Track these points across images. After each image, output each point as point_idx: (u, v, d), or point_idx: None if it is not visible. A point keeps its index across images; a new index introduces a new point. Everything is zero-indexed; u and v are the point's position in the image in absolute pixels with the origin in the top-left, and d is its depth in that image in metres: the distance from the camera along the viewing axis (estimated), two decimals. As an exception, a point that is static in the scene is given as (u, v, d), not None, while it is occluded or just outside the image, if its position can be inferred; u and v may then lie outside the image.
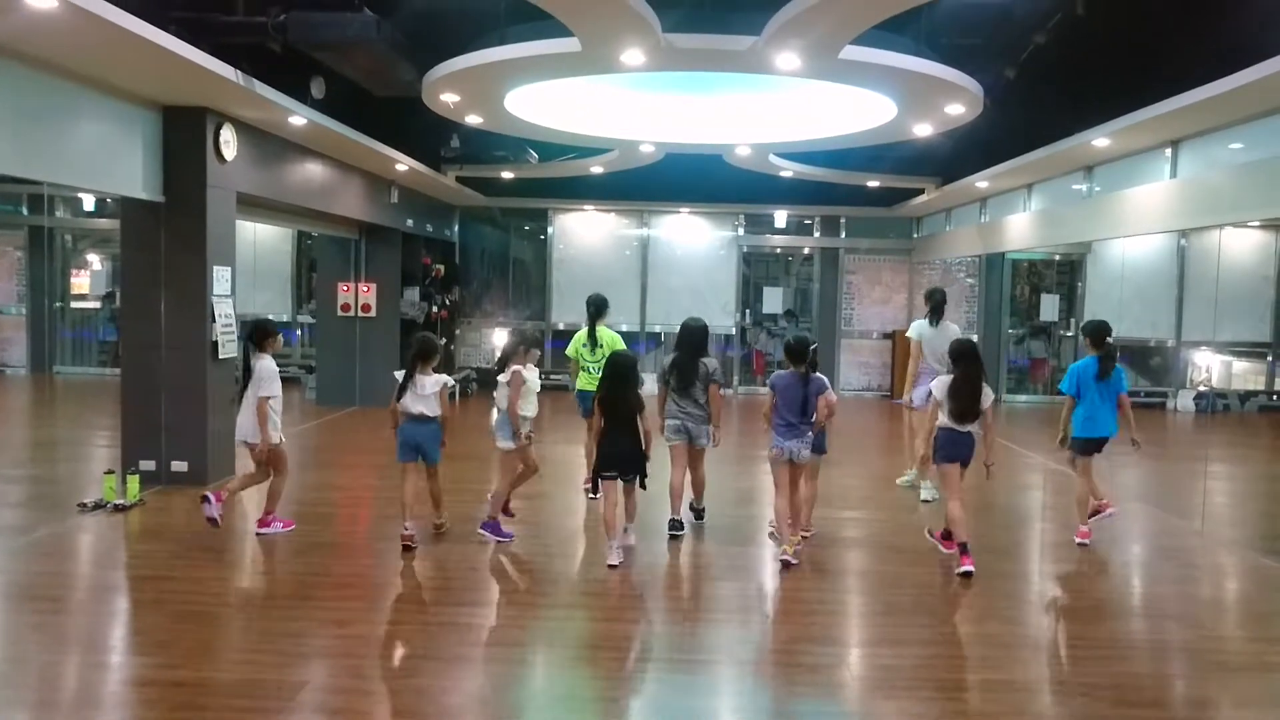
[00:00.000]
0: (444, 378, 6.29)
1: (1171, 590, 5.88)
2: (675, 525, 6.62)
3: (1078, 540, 6.56)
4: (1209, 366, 14.51)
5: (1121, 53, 8.33)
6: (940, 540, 6.29)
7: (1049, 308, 15.30)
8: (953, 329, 7.84)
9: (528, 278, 16.29)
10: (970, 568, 5.77)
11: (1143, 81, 7.77)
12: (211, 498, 6.11)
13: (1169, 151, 8.49)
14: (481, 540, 6.30)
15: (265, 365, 6.29)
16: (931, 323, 7.93)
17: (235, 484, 6.46)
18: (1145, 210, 8.85)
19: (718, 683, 4.48)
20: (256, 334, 6.40)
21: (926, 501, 7.71)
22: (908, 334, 8.17)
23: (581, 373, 7.71)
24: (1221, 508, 8.17)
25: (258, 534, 6.37)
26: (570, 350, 7.80)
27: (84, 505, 6.92)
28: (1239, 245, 14.36)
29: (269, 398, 6.23)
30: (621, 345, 7.45)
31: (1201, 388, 14.42)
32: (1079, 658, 4.79)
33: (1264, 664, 4.78)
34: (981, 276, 15.24)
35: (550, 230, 15.83)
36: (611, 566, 5.81)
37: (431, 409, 6.16)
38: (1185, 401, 14.36)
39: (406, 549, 6.08)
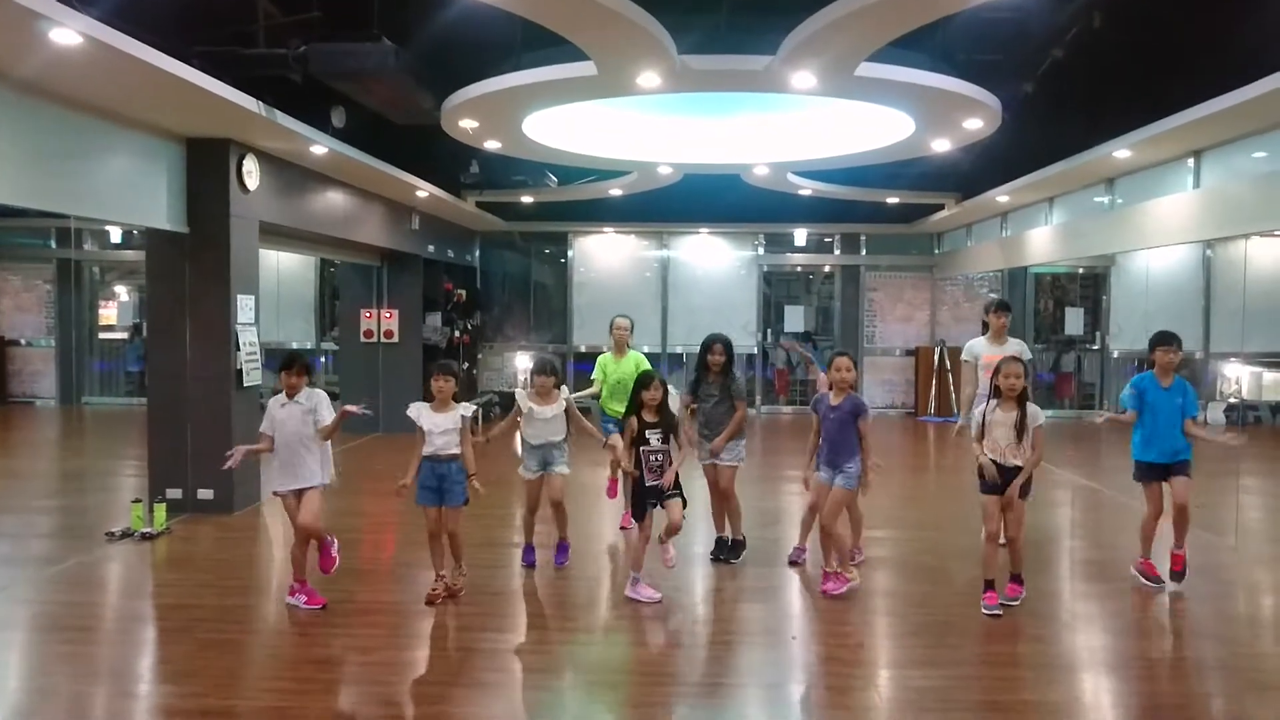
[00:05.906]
0: (463, 408, 5.56)
1: (1206, 608, 5.76)
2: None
3: (1134, 569, 6.08)
4: (1238, 378, 14.29)
5: (1140, 64, 8.29)
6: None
7: (1074, 321, 15.18)
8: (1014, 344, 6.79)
9: (549, 301, 16.33)
10: (995, 608, 5.42)
11: (1162, 92, 7.72)
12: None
13: (1191, 162, 8.43)
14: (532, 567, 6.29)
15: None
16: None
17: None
18: (1169, 221, 8.77)
19: (746, 706, 4.43)
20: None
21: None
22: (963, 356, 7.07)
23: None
24: (1256, 522, 8.03)
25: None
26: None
27: (112, 534, 6.97)
28: (1266, 254, 14.16)
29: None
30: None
31: (1231, 400, 14.21)
32: (1113, 677, 4.72)
33: (1304, 681, 4.67)
34: (1005, 291, 15.13)
35: (570, 253, 15.89)
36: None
37: (451, 445, 5.47)
38: (1215, 414, 14.13)
39: (432, 601, 5.55)
